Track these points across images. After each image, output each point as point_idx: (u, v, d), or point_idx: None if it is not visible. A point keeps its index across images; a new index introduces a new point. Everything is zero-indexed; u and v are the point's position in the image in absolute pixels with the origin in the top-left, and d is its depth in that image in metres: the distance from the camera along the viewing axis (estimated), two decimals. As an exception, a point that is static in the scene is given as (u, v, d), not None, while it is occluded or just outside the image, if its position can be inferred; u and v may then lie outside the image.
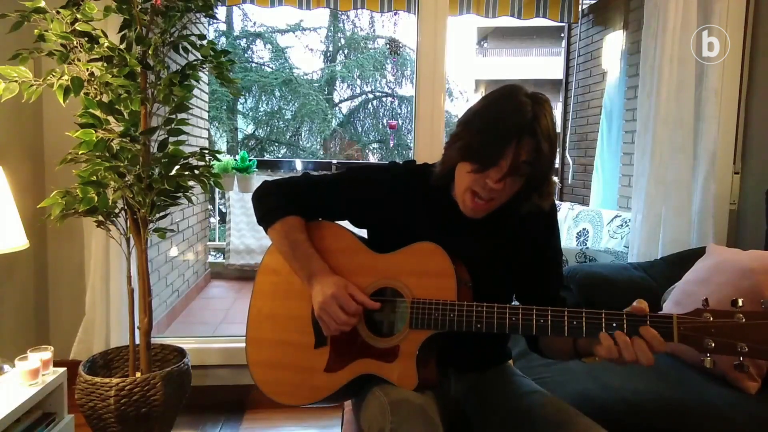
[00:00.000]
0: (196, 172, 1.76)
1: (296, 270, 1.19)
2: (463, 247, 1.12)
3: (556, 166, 5.35)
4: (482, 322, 1.02)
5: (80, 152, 1.60)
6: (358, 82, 12.06)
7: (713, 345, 0.86)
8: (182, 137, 1.74)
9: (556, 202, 4.44)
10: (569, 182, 4.89)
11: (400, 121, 11.81)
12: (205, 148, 1.83)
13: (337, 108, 12.11)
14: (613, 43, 4.08)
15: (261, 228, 1.26)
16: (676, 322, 0.89)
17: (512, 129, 1.00)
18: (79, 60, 1.61)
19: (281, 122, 11.51)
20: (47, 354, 1.64)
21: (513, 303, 1.16)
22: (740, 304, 0.87)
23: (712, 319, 0.87)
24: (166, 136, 1.73)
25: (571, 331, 0.96)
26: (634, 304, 0.93)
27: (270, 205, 1.24)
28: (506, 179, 1.02)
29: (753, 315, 0.85)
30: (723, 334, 0.86)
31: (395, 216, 1.19)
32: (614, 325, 0.92)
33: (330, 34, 11.98)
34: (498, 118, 1.03)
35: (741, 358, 0.85)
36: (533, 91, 1.05)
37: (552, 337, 1.07)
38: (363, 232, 1.28)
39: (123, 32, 1.68)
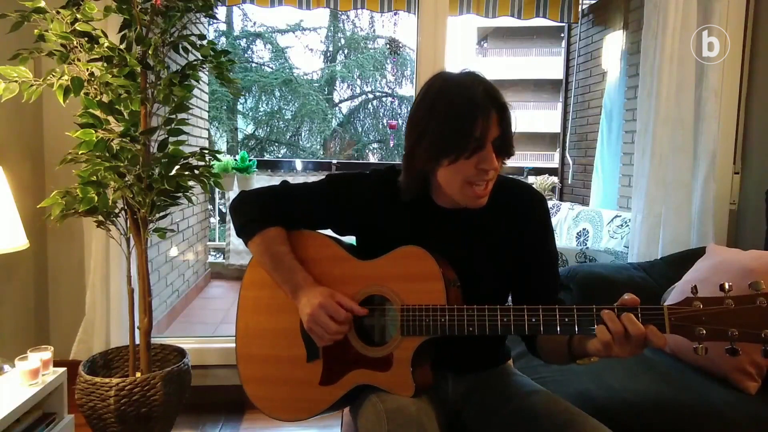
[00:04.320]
0: (196, 172, 1.76)
1: (280, 283, 1.16)
2: (450, 250, 1.10)
3: (556, 165, 5.35)
4: (474, 324, 1.00)
5: (80, 152, 1.60)
6: (358, 82, 12.07)
7: (704, 333, 0.86)
8: (182, 137, 1.74)
9: (556, 202, 4.44)
10: (569, 182, 4.89)
11: (400, 121, 11.81)
12: (205, 148, 1.83)
13: (337, 108, 12.11)
14: (613, 43, 4.09)
15: None
16: (667, 314, 0.89)
17: (476, 108, 0.99)
18: (79, 60, 1.61)
19: (281, 122, 11.52)
20: (47, 354, 1.64)
21: (506, 304, 1.15)
22: (727, 288, 0.86)
23: (702, 306, 0.87)
24: (166, 136, 1.73)
25: (564, 328, 0.95)
26: (624, 297, 0.92)
27: (248, 217, 1.20)
28: (496, 156, 1.02)
29: (742, 299, 0.85)
30: (713, 321, 0.86)
31: (378, 222, 1.17)
32: None
33: (330, 34, 11.99)
34: (455, 103, 1.01)
35: (732, 343, 0.85)
36: (461, 71, 1.06)
37: (546, 337, 1.07)
38: (347, 239, 1.25)
39: (123, 32, 1.68)
